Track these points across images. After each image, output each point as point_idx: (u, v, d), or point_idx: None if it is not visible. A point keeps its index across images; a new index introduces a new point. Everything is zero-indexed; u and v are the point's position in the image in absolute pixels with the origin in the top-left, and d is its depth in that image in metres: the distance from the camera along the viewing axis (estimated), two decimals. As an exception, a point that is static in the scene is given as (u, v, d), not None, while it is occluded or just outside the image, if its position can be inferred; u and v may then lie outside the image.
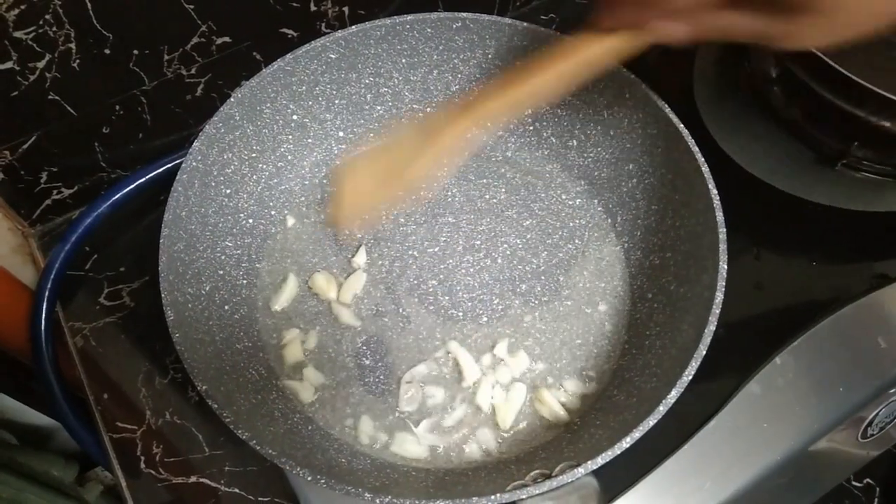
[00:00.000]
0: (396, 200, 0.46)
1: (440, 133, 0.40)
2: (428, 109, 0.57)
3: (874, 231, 0.55)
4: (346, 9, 0.56)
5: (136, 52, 0.49)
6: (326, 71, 0.51)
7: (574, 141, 0.55)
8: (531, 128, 0.56)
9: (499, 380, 0.47)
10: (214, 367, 0.41)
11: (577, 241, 0.53)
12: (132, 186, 0.55)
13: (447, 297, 0.51)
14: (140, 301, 0.53)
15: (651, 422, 0.36)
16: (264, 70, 0.48)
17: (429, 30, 0.51)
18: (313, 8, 0.54)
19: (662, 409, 0.37)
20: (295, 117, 0.52)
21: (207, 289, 0.46)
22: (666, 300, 0.47)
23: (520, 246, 0.53)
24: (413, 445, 0.45)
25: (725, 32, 0.34)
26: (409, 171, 0.41)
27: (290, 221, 0.53)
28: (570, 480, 0.36)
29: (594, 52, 0.38)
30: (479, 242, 0.53)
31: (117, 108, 0.52)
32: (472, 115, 0.40)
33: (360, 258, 0.52)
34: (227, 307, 0.47)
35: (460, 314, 0.50)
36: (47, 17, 0.43)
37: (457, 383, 0.48)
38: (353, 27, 0.50)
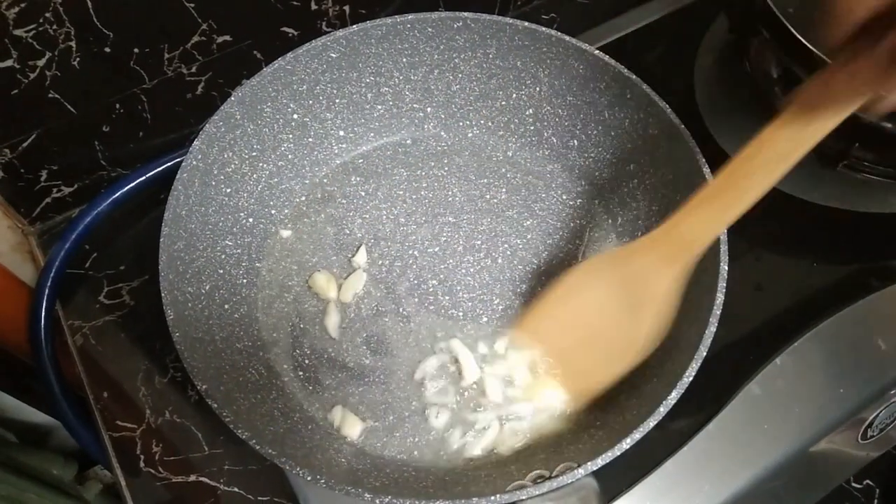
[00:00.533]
0: (619, 375, 0.41)
1: (655, 284, 0.37)
2: (429, 110, 0.56)
3: (875, 232, 0.55)
4: (346, 8, 0.56)
5: (136, 50, 0.49)
6: (327, 70, 0.51)
7: (575, 141, 0.55)
8: (532, 128, 0.56)
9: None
10: (214, 367, 0.41)
11: (577, 241, 0.53)
12: (132, 185, 0.55)
13: (447, 297, 0.51)
14: (140, 300, 0.53)
15: (651, 423, 0.36)
16: (265, 69, 0.48)
17: (430, 29, 0.51)
18: (314, 7, 0.54)
19: (663, 410, 0.37)
20: (295, 116, 0.52)
21: (207, 288, 0.46)
22: (666, 301, 0.47)
23: (520, 246, 0.53)
24: (414, 445, 0.45)
25: None
26: (633, 341, 0.38)
27: (285, 234, 0.53)
28: (569, 481, 0.36)
29: (806, 137, 0.34)
30: (479, 242, 0.53)
31: (117, 106, 0.52)
32: (688, 251, 0.37)
33: (361, 258, 0.52)
34: (227, 306, 0.47)
35: (461, 314, 0.50)
36: (47, 15, 0.43)
37: (458, 382, 0.48)
38: (354, 26, 0.50)
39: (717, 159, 0.47)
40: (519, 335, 0.47)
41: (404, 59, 0.53)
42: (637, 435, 0.36)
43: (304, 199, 0.55)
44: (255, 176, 0.51)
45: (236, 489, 0.46)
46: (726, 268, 0.41)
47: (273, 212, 0.53)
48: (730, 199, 0.37)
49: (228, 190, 0.49)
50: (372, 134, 0.57)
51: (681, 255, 0.39)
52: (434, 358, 0.48)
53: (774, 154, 0.35)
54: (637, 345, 0.40)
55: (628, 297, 0.39)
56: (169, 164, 0.55)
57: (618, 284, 0.40)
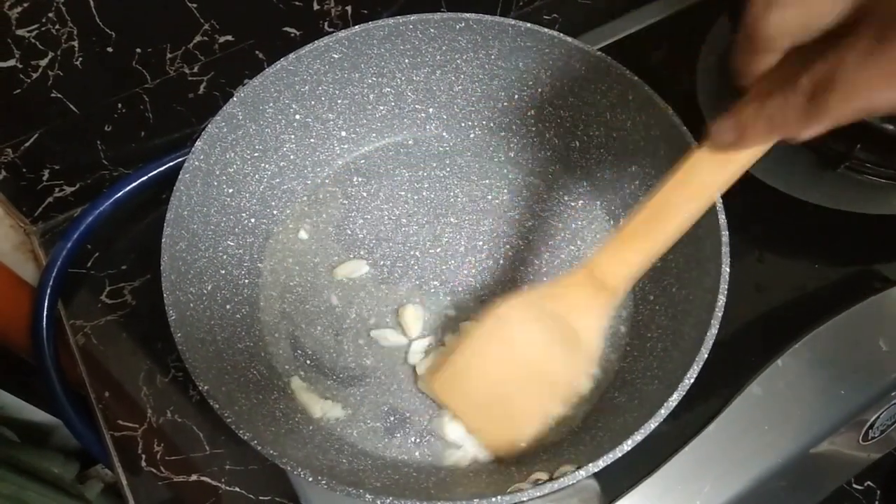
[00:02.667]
0: (555, 412, 0.41)
1: (582, 326, 0.37)
2: (430, 110, 0.56)
3: (876, 234, 0.55)
4: (349, 8, 0.56)
5: (138, 50, 0.49)
6: (329, 71, 0.51)
7: (576, 142, 0.55)
8: (534, 129, 0.56)
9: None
10: (216, 367, 0.41)
11: (579, 242, 0.53)
12: (134, 185, 0.55)
13: (449, 298, 0.51)
14: (141, 299, 0.53)
15: (652, 424, 0.36)
16: (267, 69, 0.48)
17: (432, 30, 0.51)
18: (316, 7, 0.54)
19: (664, 411, 0.37)
20: (298, 117, 0.52)
21: (209, 288, 0.46)
22: (668, 302, 0.47)
23: (522, 247, 0.53)
24: (415, 445, 0.45)
25: (878, 112, 0.28)
26: (565, 379, 0.37)
27: (288, 234, 0.53)
28: (570, 483, 0.36)
29: (723, 176, 0.33)
30: (481, 243, 0.53)
31: (120, 106, 0.52)
32: (610, 292, 0.37)
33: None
34: (228, 307, 0.47)
35: (462, 315, 0.50)
36: (50, 14, 0.43)
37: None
38: (357, 27, 0.50)
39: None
40: (432, 394, 0.45)
41: (406, 60, 0.53)
42: (638, 437, 0.36)
43: (305, 199, 0.55)
44: (257, 176, 0.51)
45: (237, 489, 0.46)
46: (728, 269, 0.41)
47: (275, 212, 0.53)
48: (649, 239, 0.36)
49: (230, 190, 0.49)
50: (374, 135, 0.57)
51: (604, 295, 0.38)
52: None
53: (690, 193, 0.35)
54: (564, 389, 0.40)
55: (554, 339, 0.38)
56: (171, 164, 0.55)
57: (542, 330, 0.38)
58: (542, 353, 0.39)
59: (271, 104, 0.50)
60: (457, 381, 0.41)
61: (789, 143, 0.31)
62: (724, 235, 0.42)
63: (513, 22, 0.50)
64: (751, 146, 0.32)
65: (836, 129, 0.51)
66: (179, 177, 0.45)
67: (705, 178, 0.34)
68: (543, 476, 0.37)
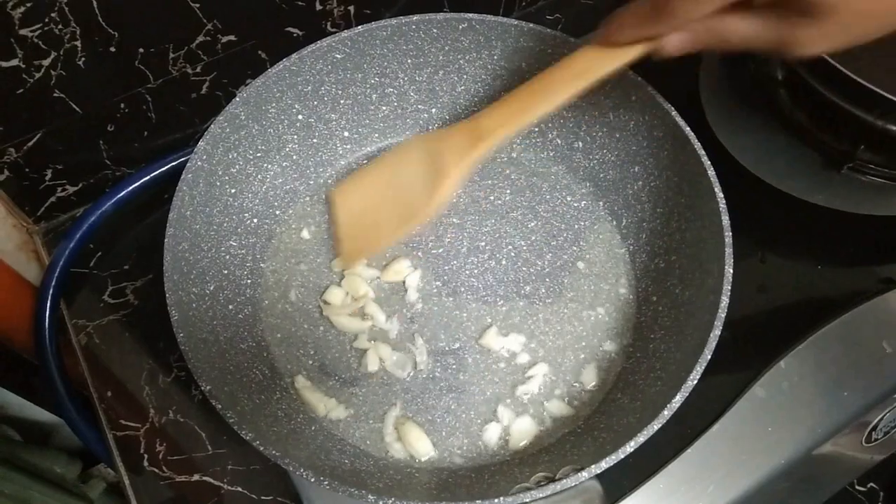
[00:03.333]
0: (407, 232, 0.47)
1: (453, 162, 0.40)
2: (433, 111, 0.56)
3: (880, 235, 0.55)
4: (351, 8, 0.56)
5: (141, 50, 0.49)
6: (332, 71, 0.51)
7: (579, 143, 0.55)
8: (536, 129, 0.56)
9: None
10: (218, 367, 0.41)
11: (581, 243, 0.53)
12: (137, 184, 0.55)
13: (451, 299, 0.51)
14: (144, 299, 0.53)
15: (655, 426, 0.36)
16: (270, 70, 0.48)
17: (434, 30, 0.51)
18: (319, 7, 0.54)
19: (667, 413, 0.37)
20: (300, 117, 0.52)
21: (212, 288, 0.46)
22: (671, 303, 0.47)
23: (524, 247, 0.53)
24: (420, 445, 0.45)
25: (731, 42, 0.34)
26: (424, 204, 0.41)
27: (290, 234, 0.53)
28: (573, 484, 0.36)
29: (599, 65, 0.38)
30: (483, 244, 0.53)
31: (122, 105, 0.52)
32: (485, 140, 0.40)
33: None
34: (231, 307, 0.47)
35: (464, 315, 0.50)
36: (53, 14, 0.43)
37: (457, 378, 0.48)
38: (359, 27, 0.50)
39: (722, 161, 0.47)
40: (332, 198, 0.51)
41: (409, 60, 0.53)
42: (641, 438, 0.36)
43: (308, 199, 0.55)
44: (259, 177, 0.51)
45: (239, 489, 0.46)
46: (731, 270, 0.41)
47: (278, 212, 0.53)
48: (527, 104, 0.41)
49: (233, 190, 0.49)
50: (376, 135, 0.57)
51: (478, 144, 0.42)
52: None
53: (571, 74, 0.40)
54: (424, 210, 0.43)
55: (425, 172, 0.43)
56: (173, 163, 0.55)
57: (420, 160, 0.44)
58: (412, 181, 0.43)
59: (274, 104, 0.50)
60: (350, 190, 0.46)
61: (660, 56, 0.36)
62: (728, 236, 0.42)
63: (515, 22, 0.50)
64: (620, 43, 0.38)
65: (840, 130, 0.51)
66: (182, 177, 0.45)
67: (588, 65, 0.39)
68: (546, 477, 0.37)
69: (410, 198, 0.42)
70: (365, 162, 0.56)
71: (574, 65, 0.39)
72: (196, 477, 0.47)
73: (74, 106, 0.49)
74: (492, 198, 0.55)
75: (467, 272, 0.52)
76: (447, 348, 0.49)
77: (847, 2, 0.31)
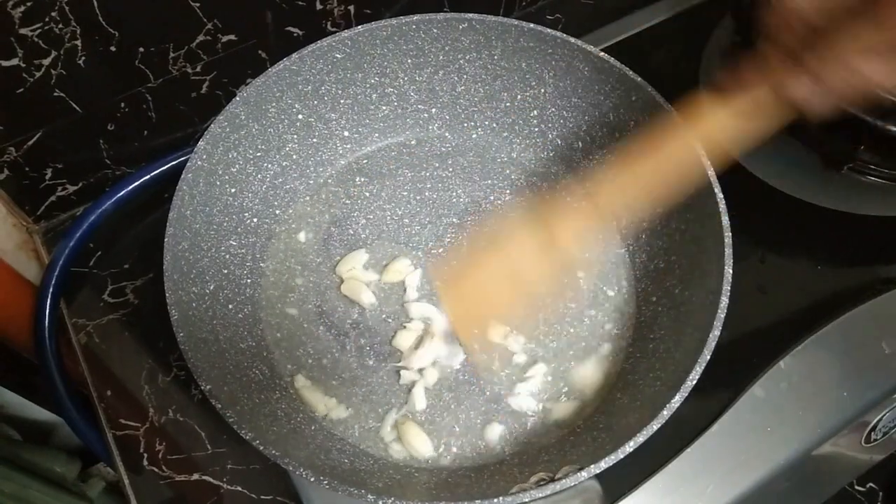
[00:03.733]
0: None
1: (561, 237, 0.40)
2: (433, 111, 0.56)
3: (879, 235, 0.55)
4: (352, 8, 0.56)
5: (141, 49, 0.49)
6: (332, 71, 0.51)
7: (580, 143, 0.55)
8: (536, 129, 0.56)
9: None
10: (218, 367, 0.41)
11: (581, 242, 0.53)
12: (137, 184, 0.55)
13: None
14: (144, 298, 0.53)
15: (655, 426, 0.36)
16: (270, 69, 0.48)
17: (435, 30, 0.51)
18: (319, 7, 0.54)
19: (666, 413, 0.37)
20: (300, 117, 0.52)
21: (212, 288, 0.46)
22: (670, 304, 0.47)
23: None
24: (419, 445, 0.45)
25: (872, 82, 0.32)
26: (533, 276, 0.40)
27: (290, 234, 0.53)
28: (572, 484, 0.36)
29: (714, 130, 0.37)
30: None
31: (122, 105, 0.52)
32: (598, 212, 0.40)
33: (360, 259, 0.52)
34: (231, 306, 0.47)
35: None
36: (53, 14, 0.43)
37: (456, 377, 0.48)
38: (360, 27, 0.50)
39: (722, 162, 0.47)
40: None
41: (409, 60, 0.53)
42: (640, 438, 0.36)
43: (308, 199, 0.55)
44: (259, 176, 0.51)
45: (239, 488, 0.46)
46: (730, 270, 0.41)
47: (277, 212, 0.53)
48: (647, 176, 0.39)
49: (233, 190, 0.49)
50: (376, 135, 0.57)
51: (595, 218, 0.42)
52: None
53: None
54: (529, 287, 0.42)
55: (530, 244, 0.42)
56: (173, 163, 0.55)
57: (527, 231, 0.43)
58: (522, 252, 0.42)
59: (274, 104, 0.50)
60: (458, 270, 0.44)
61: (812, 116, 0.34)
62: (727, 237, 0.42)
63: (516, 22, 0.50)
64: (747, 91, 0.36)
65: (840, 131, 0.51)
66: (182, 176, 0.45)
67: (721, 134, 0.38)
68: (546, 477, 0.37)
69: (519, 271, 0.41)
70: (365, 162, 0.57)
71: (700, 120, 0.37)
72: (196, 476, 0.47)
73: (74, 105, 0.49)
74: (492, 198, 0.55)
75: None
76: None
77: None
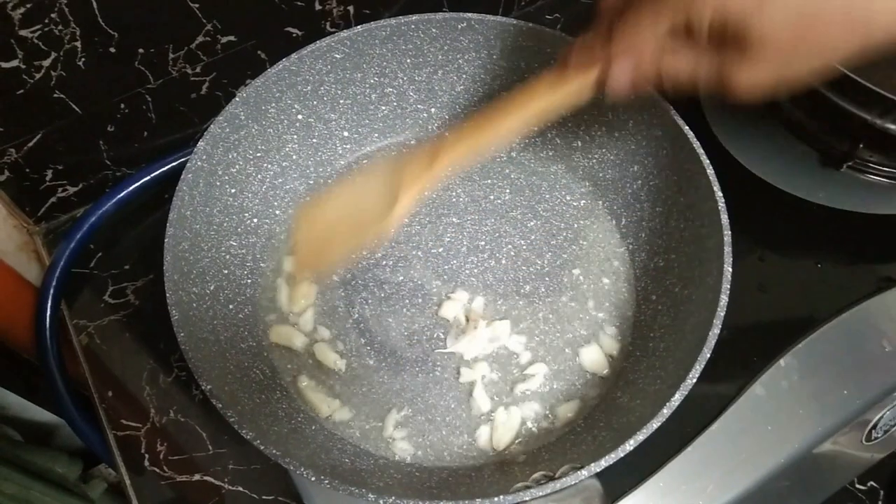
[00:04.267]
0: (364, 246, 0.47)
1: (410, 182, 0.41)
2: (433, 110, 0.57)
3: (879, 234, 0.55)
4: (350, 8, 0.56)
5: (141, 50, 0.49)
6: (331, 71, 0.51)
7: (579, 142, 0.55)
8: (535, 128, 0.56)
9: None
10: (219, 367, 0.41)
11: (581, 242, 0.53)
12: (137, 185, 0.55)
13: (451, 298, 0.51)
14: (144, 299, 0.53)
15: (655, 424, 0.36)
16: (269, 70, 0.48)
17: (434, 30, 0.51)
18: (318, 7, 0.54)
19: (666, 411, 0.37)
20: (300, 117, 0.52)
21: (212, 288, 0.46)
22: (670, 302, 0.47)
23: (524, 247, 0.53)
24: (417, 445, 0.45)
25: (674, 77, 0.35)
26: (380, 221, 0.41)
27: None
28: (573, 483, 0.36)
29: (552, 94, 0.39)
30: (483, 243, 0.53)
31: (122, 106, 0.52)
32: (440, 162, 0.40)
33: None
34: (231, 306, 0.47)
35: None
36: (53, 15, 0.43)
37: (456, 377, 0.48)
38: (359, 27, 0.50)
39: (721, 160, 0.48)
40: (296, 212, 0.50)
41: (408, 60, 0.53)
42: (641, 436, 0.36)
43: (308, 199, 0.55)
44: (259, 176, 0.51)
45: (240, 488, 0.46)
46: (730, 269, 0.41)
47: (277, 212, 0.53)
48: (481, 129, 0.40)
49: (233, 190, 0.49)
50: (376, 135, 0.57)
51: (432, 164, 0.41)
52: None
53: (526, 101, 0.39)
54: (378, 226, 0.42)
55: (384, 190, 0.42)
56: (173, 163, 0.55)
57: (381, 180, 0.43)
58: (371, 199, 0.43)
59: (274, 104, 0.50)
60: (313, 206, 0.45)
61: (612, 93, 0.36)
62: (727, 235, 0.42)
63: (515, 22, 0.50)
64: (572, 68, 0.38)
65: (839, 129, 0.51)
66: (182, 177, 0.45)
67: (543, 93, 0.39)
68: (546, 475, 0.37)
69: (368, 215, 0.43)
70: (365, 162, 0.57)
71: (531, 91, 0.40)
72: (197, 477, 0.47)
73: (74, 106, 0.49)
74: (491, 197, 0.55)
75: (467, 271, 0.52)
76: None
77: (774, 37, 0.31)
